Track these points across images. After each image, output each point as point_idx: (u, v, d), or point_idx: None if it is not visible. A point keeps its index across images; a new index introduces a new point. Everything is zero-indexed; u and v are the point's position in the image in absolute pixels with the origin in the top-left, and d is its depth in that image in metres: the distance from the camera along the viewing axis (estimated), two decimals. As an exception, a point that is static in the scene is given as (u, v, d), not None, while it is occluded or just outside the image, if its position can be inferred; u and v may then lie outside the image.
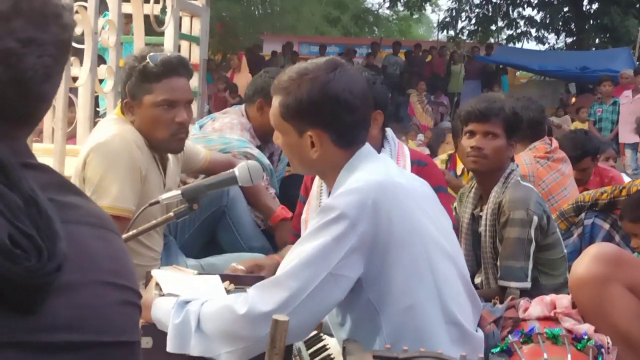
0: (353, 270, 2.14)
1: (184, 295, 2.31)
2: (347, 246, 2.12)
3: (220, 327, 2.16)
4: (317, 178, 3.14)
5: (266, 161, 4.12)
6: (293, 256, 2.17)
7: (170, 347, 2.20)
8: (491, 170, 3.51)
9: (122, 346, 1.19)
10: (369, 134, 2.52)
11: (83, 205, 1.21)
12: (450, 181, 4.96)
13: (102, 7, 4.50)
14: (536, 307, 2.67)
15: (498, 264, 3.46)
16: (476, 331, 2.35)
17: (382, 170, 2.28)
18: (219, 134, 4.15)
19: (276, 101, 2.35)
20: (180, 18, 5.10)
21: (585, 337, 2.50)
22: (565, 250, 3.65)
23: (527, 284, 3.39)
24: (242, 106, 4.43)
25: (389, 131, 3.33)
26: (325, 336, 2.58)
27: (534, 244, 3.40)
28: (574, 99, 18.27)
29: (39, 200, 1.07)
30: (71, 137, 4.92)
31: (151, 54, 3.19)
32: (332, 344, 2.50)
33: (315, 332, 2.57)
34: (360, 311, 2.24)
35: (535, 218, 3.38)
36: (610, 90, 12.91)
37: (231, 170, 2.76)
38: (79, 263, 1.13)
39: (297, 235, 3.37)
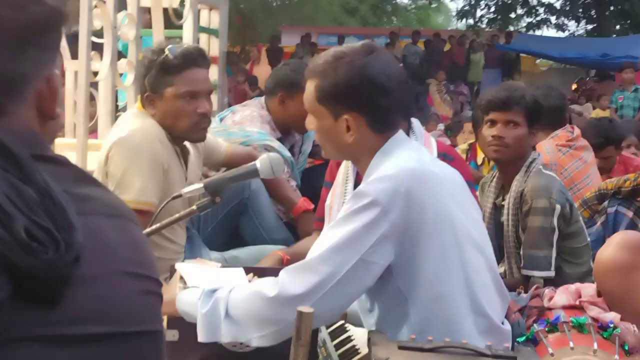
0: (384, 257, 2.14)
1: (209, 286, 2.32)
2: (379, 233, 2.12)
3: (250, 312, 2.18)
4: (343, 164, 3.12)
5: (287, 153, 4.12)
6: (324, 241, 2.17)
7: (201, 337, 2.21)
8: (513, 159, 3.49)
9: (145, 335, 1.19)
10: None
11: (100, 196, 1.20)
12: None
13: (120, 2, 4.52)
14: (561, 296, 2.66)
15: (521, 253, 3.45)
16: (502, 324, 2.33)
17: (415, 158, 2.27)
18: (240, 127, 4.15)
19: (311, 85, 2.35)
20: (199, 11, 5.11)
21: (612, 325, 2.49)
22: (588, 239, 3.63)
23: (551, 273, 3.38)
24: (262, 98, 4.44)
25: (415, 122, 3.32)
26: (350, 327, 2.59)
27: (557, 232, 3.39)
28: (591, 85, 18.09)
29: (54, 193, 1.07)
30: (92, 131, 4.94)
31: (170, 46, 3.20)
32: (357, 335, 2.50)
33: (340, 323, 2.58)
34: (389, 298, 2.24)
35: (558, 206, 3.37)
36: (632, 77, 12.76)
37: (252, 162, 2.76)
38: (97, 254, 1.12)
39: (322, 220, 3.39)
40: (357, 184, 2.98)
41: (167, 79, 3.19)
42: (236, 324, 2.19)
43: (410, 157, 2.27)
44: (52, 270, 1.02)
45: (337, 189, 3.16)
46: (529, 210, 3.40)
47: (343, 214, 2.19)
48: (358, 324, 2.51)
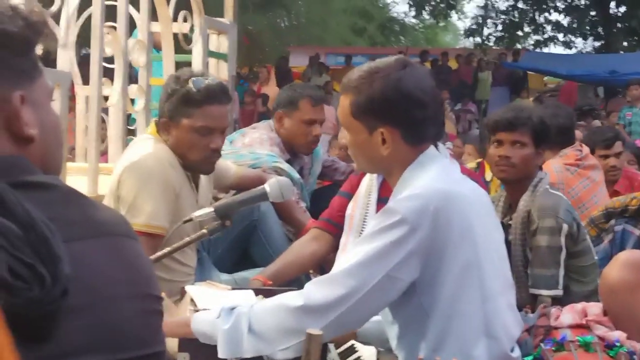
0: (409, 274, 2.19)
1: (227, 304, 2.35)
2: (406, 250, 2.17)
3: (274, 324, 2.21)
4: (367, 176, 3.16)
5: (296, 175, 4.17)
6: (351, 255, 2.23)
7: (222, 353, 2.23)
8: (519, 179, 3.53)
9: (146, 359, 1.18)
10: None
11: (89, 216, 1.19)
12: None
13: (131, 27, 4.58)
14: (567, 315, 2.69)
15: (529, 272, 3.47)
16: (513, 349, 2.36)
17: (445, 178, 2.32)
18: (249, 149, 4.21)
19: (346, 100, 2.38)
20: (208, 36, 5.16)
21: (618, 344, 2.51)
22: (595, 257, 3.64)
23: (559, 292, 3.40)
24: (271, 121, 4.51)
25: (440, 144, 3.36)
26: (359, 346, 2.62)
27: (564, 251, 3.41)
28: (601, 105, 18.08)
29: (37, 225, 1.04)
30: (102, 154, 4.99)
31: (194, 78, 3.23)
32: (366, 355, 2.53)
33: (350, 344, 2.61)
34: (410, 313, 2.28)
35: (565, 226, 3.39)
36: (639, 94, 12.72)
37: (262, 186, 2.80)
38: (87, 282, 1.11)
39: (327, 221, 3.44)
40: (379, 196, 3.03)
41: (186, 110, 3.23)
42: (260, 337, 2.21)
43: (441, 176, 2.31)
44: (38, 308, 1.01)
45: (359, 200, 3.19)
46: (536, 230, 3.43)
47: (372, 230, 2.24)
48: (367, 342, 2.55)
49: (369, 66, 2.37)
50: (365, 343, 2.60)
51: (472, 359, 2.15)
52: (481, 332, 2.24)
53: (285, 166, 4.13)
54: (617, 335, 2.56)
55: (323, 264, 3.57)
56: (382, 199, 2.50)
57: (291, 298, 2.22)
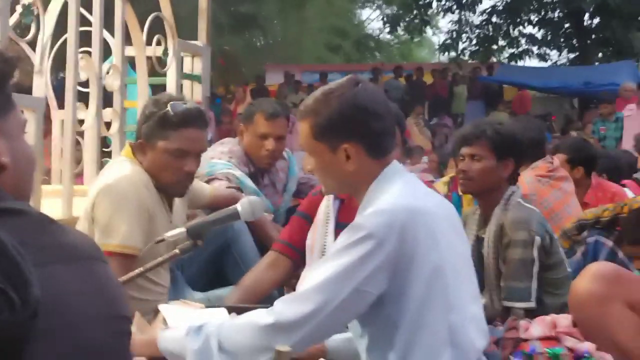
0: (377, 287, 2.23)
1: (194, 322, 2.36)
2: (374, 264, 2.21)
3: (246, 343, 2.24)
4: (323, 202, 3.21)
5: (250, 184, 4.24)
6: (320, 271, 2.26)
7: None
8: (483, 192, 3.60)
9: None
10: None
11: (58, 240, 1.21)
12: None
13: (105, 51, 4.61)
14: (537, 327, 2.73)
15: (502, 285, 3.51)
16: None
17: (410, 193, 2.37)
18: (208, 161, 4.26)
19: (306, 125, 2.43)
20: (182, 58, 5.20)
21: (587, 355, 2.55)
22: (569, 269, 3.68)
23: (532, 304, 3.42)
24: None
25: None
26: None
27: (537, 264, 3.44)
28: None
29: (7, 249, 1.05)
30: (79, 176, 5.00)
31: (172, 102, 3.27)
32: None
33: None
34: (378, 326, 2.32)
35: (538, 238, 3.43)
36: (611, 109, 12.73)
37: (234, 206, 2.83)
38: (58, 306, 1.12)
39: (285, 244, 3.47)
40: (337, 221, 3.07)
41: (162, 132, 3.26)
42: (231, 356, 2.24)
43: (406, 191, 2.36)
44: (8, 331, 1.02)
45: (318, 229, 3.25)
46: (509, 243, 3.46)
47: (339, 245, 2.28)
48: (337, 359, 2.59)
49: (322, 89, 2.45)
50: None
51: None
52: (447, 342, 2.27)
53: (238, 173, 4.22)
54: (587, 346, 2.60)
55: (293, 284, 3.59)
56: (341, 224, 2.54)
57: (261, 316, 2.26)
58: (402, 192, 2.35)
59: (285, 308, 2.24)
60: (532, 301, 3.42)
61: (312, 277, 2.28)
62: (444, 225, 2.37)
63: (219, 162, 4.27)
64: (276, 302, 2.28)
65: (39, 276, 1.07)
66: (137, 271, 2.70)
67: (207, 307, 2.75)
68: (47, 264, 1.14)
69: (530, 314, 3.30)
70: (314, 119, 2.41)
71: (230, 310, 2.67)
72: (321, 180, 2.58)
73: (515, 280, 3.43)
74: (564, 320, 2.75)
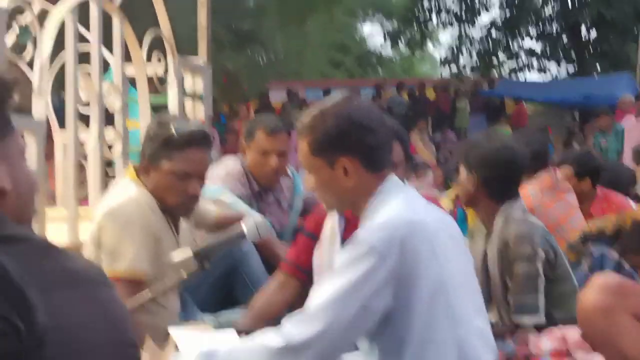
0: (383, 303, 2.25)
1: (203, 348, 2.37)
2: (378, 279, 2.23)
3: None
4: (329, 221, 3.22)
5: (242, 206, 4.20)
6: (326, 289, 2.28)
7: None
8: (470, 206, 3.68)
9: None
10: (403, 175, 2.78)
11: (62, 266, 1.21)
12: None
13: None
14: (547, 342, 2.73)
15: (509, 300, 3.50)
16: None
17: (410, 207, 2.40)
18: None
19: (304, 142, 2.49)
20: (183, 77, 5.20)
21: (596, 367, 2.55)
22: (576, 283, 3.66)
23: (541, 319, 3.42)
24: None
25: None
26: None
27: (542, 278, 3.45)
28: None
29: (11, 277, 1.06)
30: (84, 198, 5.00)
31: (177, 123, 3.28)
32: None
33: None
34: (386, 341, 2.33)
35: (541, 252, 3.43)
36: (609, 122, 12.75)
37: (240, 229, 2.82)
38: (65, 332, 1.12)
39: (297, 267, 3.48)
40: (343, 240, 3.07)
41: (166, 153, 3.25)
42: None
43: (405, 205, 2.40)
44: (15, 358, 1.02)
45: (324, 248, 3.26)
46: (514, 258, 3.47)
47: (342, 262, 2.30)
48: None
49: (318, 107, 2.51)
50: None
51: None
52: (455, 357, 2.28)
53: (229, 199, 4.17)
54: (596, 359, 2.59)
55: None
56: (347, 243, 2.55)
57: (270, 339, 2.25)
58: (401, 205, 2.39)
59: (294, 329, 2.24)
60: (541, 315, 3.42)
61: (319, 294, 2.29)
62: (444, 239, 2.39)
63: (211, 187, 4.24)
64: (284, 322, 2.29)
65: (44, 302, 1.08)
66: (144, 297, 2.69)
67: (217, 328, 2.75)
68: (51, 290, 1.14)
69: (540, 329, 3.30)
70: (311, 136, 2.46)
71: (240, 332, 2.67)
72: (322, 198, 2.62)
73: (522, 295, 3.43)
74: (573, 333, 2.75)
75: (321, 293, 2.28)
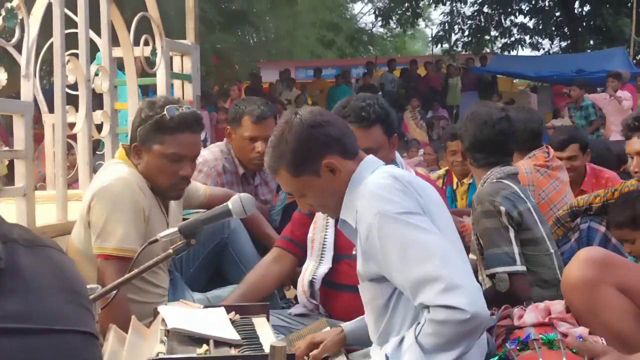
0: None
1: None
2: (418, 208, 2.33)
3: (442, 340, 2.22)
4: None
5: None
6: (413, 256, 2.25)
7: None
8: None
9: (78, 334, 1.21)
10: (386, 157, 2.91)
11: (17, 232, 1.24)
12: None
13: (92, 54, 4.60)
14: (530, 314, 2.75)
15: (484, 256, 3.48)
16: None
17: (396, 170, 2.50)
18: None
19: (281, 175, 2.56)
20: (171, 58, 5.20)
21: (580, 339, 2.57)
22: (551, 250, 3.55)
23: (518, 267, 3.36)
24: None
25: (397, 155, 3.44)
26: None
27: (511, 230, 3.41)
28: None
29: None
30: (75, 181, 5.01)
31: (169, 106, 3.28)
32: None
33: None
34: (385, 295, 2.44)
35: (502, 208, 3.40)
36: (580, 94, 12.90)
37: (225, 203, 2.84)
38: (21, 275, 1.17)
39: (287, 239, 3.55)
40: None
41: (158, 136, 3.28)
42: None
43: (392, 168, 2.53)
44: None
45: (318, 222, 3.30)
46: (478, 216, 3.47)
47: (395, 236, 2.29)
48: (357, 344, 2.76)
49: (271, 140, 2.57)
50: (355, 345, 2.76)
51: None
52: None
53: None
54: (580, 331, 2.62)
55: (294, 279, 3.62)
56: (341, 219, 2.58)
57: (452, 316, 2.19)
58: (387, 168, 2.50)
59: (447, 299, 2.17)
60: (519, 265, 3.37)
61: (414, 266, 2.26)
62: (432, 195, 2.48)
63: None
64: (433, 312, 2.22)
65: (4, 250, 1.14)
66: (132, 273, 2.70)
67: (206, 307, 2.76)
68: (6, 242, 1.18)
69: (523, 281, 3.33)
70: (284, 165, 2.52)
71: (229, 309, 2.68)
72: (323, 209, 2.67)
73: (493, 247, 3.40)
74: (557, 305, 2.77)
75: (418, 267, 2.24)
